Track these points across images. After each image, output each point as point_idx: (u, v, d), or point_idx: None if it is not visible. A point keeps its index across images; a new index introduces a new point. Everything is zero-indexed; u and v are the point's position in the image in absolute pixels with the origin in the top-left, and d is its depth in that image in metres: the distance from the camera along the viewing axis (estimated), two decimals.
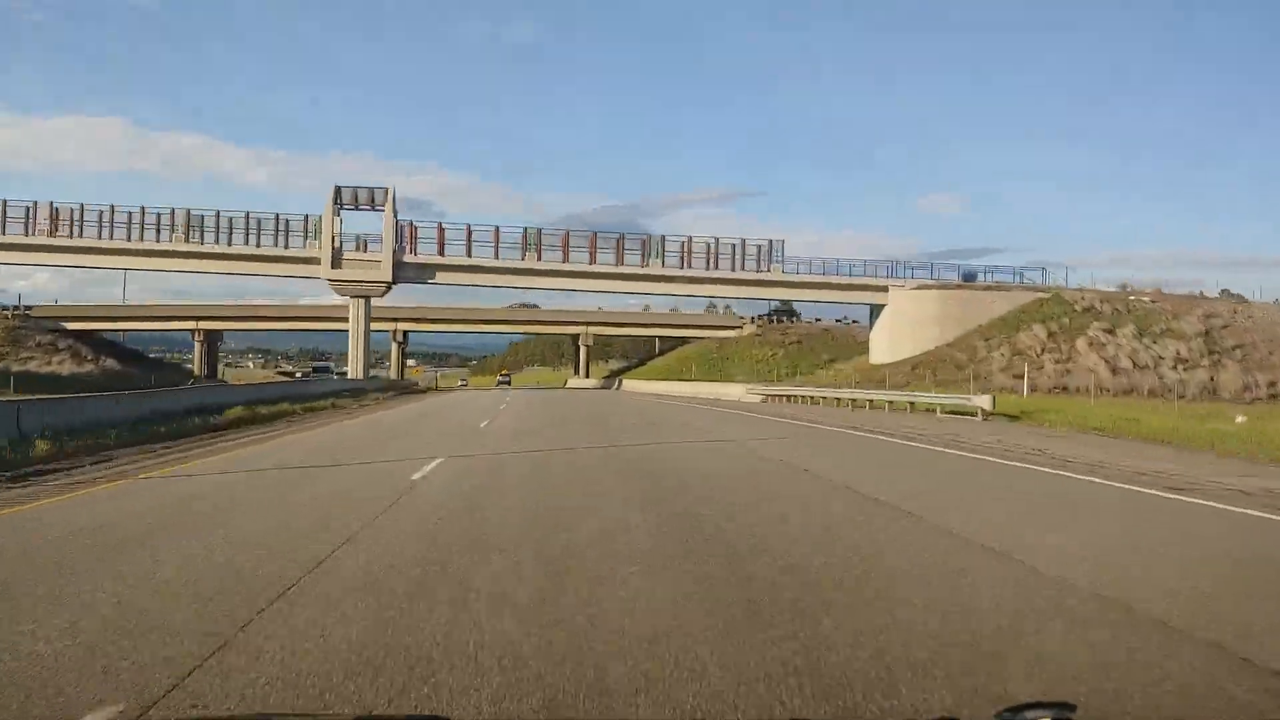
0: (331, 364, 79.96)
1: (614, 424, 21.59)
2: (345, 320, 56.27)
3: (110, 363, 65.55)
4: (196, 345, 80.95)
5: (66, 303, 78.72)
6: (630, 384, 74.36)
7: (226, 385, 51.81)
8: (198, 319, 79.12)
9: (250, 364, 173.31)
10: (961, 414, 25.35)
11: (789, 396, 37.13)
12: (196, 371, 76.21)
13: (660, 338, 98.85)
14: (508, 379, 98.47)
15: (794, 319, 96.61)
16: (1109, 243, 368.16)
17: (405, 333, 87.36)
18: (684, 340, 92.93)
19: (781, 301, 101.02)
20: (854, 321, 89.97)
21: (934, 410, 25.92)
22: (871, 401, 29.26)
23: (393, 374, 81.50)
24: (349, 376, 52.99)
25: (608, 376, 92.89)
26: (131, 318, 77.08)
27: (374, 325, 77.68)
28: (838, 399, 32.06)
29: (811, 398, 34.83)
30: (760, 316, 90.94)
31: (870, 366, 54.81)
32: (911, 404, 27.11)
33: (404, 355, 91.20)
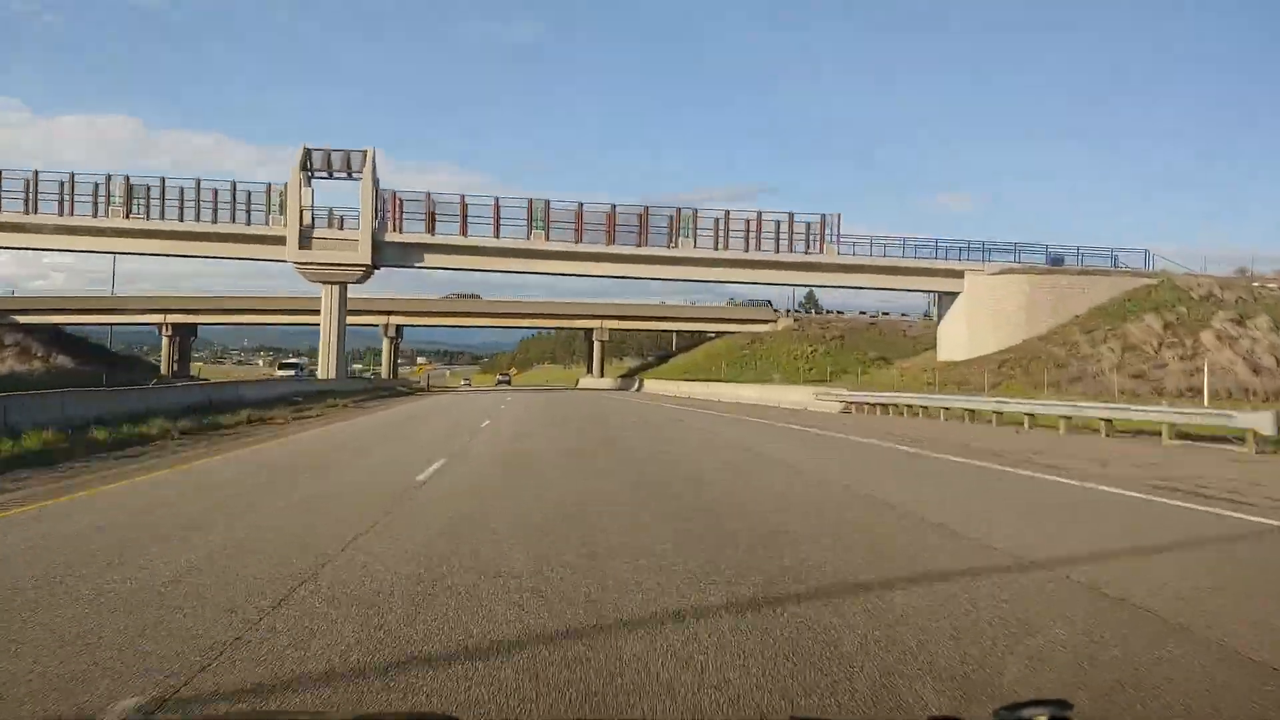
0: (304, 361, 71.27)
1: (672, 459, 12.50)
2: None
3: (63, 360, 57.82)
4: (164, 340, 72.44)
5: (20, 294, 70.76)
6: (653, 385, 65.18)
7: (177, 386, 43.42)
8: (165, 311, 70.56)
9: (260, 362, 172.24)
10: (1199, 438, 16.28)
11: (884, 405, 27.46)
12: (164, 369, 67.99)
13: (680, 333, 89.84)
14: (507, 379, 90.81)
15: (825, 311, 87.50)
16: (1109, 241, 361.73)
17: (399, 327, 78.70)
18: (705, 336, 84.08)
19: (806, 295, 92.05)
20: (902, 315, 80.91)
21: (1155, 432, 16.71)
22: (1033, 416, 19.83)
23: (385, 372, 72.94)
24: (319, 376, 44.07)
25: (625, 375, 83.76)
26: (90, 310, 68.58)
27: (364, 319, 69.20)
28: (969, 411, 22.47)
29: (925, 408, 25.16)
30: (781, 307, 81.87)
31: (943, 365, 46.02)
32: (1108, 422, 17.78)
33: (397, 351, 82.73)
